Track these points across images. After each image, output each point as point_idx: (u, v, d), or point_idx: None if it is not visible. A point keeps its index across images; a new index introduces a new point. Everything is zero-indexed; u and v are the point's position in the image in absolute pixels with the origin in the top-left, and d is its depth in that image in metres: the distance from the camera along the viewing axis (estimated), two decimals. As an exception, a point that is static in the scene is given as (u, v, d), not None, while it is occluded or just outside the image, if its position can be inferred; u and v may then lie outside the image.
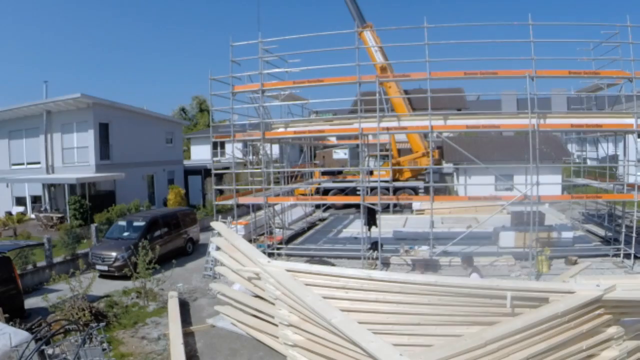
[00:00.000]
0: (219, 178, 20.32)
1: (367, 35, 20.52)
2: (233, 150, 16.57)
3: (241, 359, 8.68)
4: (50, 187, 23.87)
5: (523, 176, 14.46)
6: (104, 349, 7.61)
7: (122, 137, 24.40)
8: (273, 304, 8.26)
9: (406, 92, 24.63)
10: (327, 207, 25.79)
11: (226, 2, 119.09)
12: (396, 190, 22.00)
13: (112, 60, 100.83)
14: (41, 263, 14.48)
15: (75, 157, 23.50)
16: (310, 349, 7.39)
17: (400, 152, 26.39)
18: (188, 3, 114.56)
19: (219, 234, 11.22)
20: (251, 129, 16.97)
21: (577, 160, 24.21)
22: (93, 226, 17.18)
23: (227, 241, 10.16)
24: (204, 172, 29.82)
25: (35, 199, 24.72)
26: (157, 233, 15.91)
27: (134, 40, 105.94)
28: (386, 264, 14.33)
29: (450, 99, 30.55)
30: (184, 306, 11.59)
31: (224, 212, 19.00)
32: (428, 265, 13.62)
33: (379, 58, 19.90)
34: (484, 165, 14.86)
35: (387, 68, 19.78)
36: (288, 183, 21.56)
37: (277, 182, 18.99)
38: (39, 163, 24.09)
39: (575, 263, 13.72)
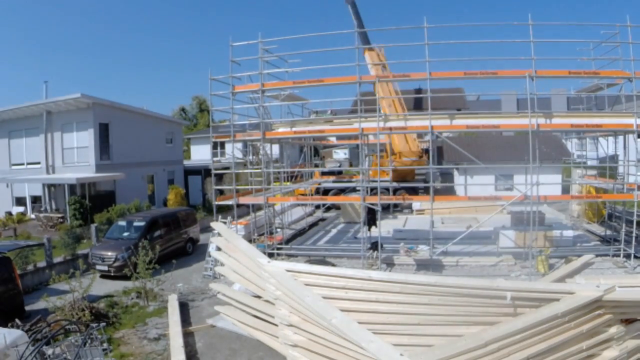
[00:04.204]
0: (219, 178, 20.30)
1: (366, 58, 20.78)
2: (233, 150, 16.56)
3: (241, 359, 8.69)
4: (50, 187, 23.86)
5: (523, 176, 14.47)
6: (104, 349, 7.61)
7: (122, 137, 24.39)
8: (273, 304, 8.26)
9: (396, 92, 24.55)
10: (328, 208, 25.73)
11: (227, 1, 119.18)
12: (396, 191, 21.99)
13: (112, 60, 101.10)
14: (41, 263, 14.48)
15: (75, 157, 23.49)
16: (310, 349, 7.37)
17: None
18: (188, 3, 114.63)
19: (219, 234, 11.22)
20: (251, 129, 16.98)
21: (577, 160, 24.19)
22: (93, 226, 17.18)
23: (227, 241, 10.16)
24: (204, 172, 29.80)
25: (35, 199, 24.71)
26: (157, 233, 15.91)
27: (134, 40, 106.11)
28: (389, 264, 14.34)
29: (450, 99, 30.51)
30: (184, 306, 11.60)
31: (224, 212, 19.00)
32: (429, 265, 13.64)
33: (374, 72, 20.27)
34: (484, 165, 14.87)
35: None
36: (288, 183, 21.55)
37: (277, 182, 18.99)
38: (39, 163, 24.08)
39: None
